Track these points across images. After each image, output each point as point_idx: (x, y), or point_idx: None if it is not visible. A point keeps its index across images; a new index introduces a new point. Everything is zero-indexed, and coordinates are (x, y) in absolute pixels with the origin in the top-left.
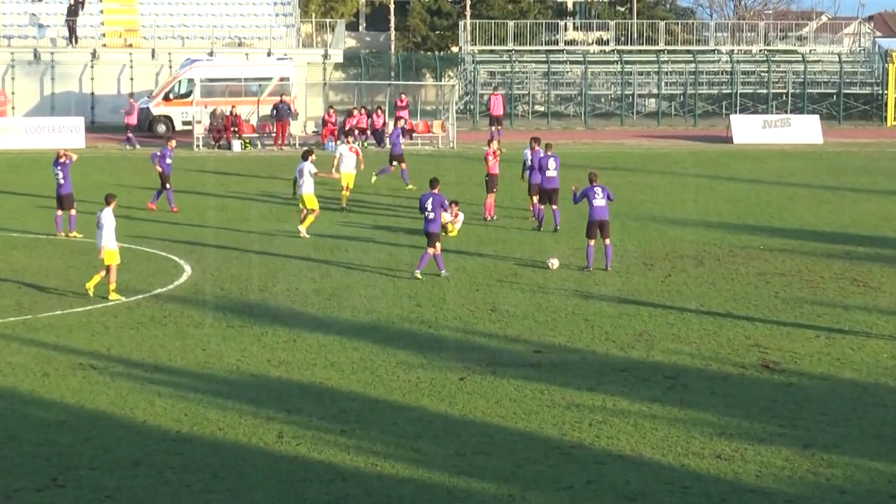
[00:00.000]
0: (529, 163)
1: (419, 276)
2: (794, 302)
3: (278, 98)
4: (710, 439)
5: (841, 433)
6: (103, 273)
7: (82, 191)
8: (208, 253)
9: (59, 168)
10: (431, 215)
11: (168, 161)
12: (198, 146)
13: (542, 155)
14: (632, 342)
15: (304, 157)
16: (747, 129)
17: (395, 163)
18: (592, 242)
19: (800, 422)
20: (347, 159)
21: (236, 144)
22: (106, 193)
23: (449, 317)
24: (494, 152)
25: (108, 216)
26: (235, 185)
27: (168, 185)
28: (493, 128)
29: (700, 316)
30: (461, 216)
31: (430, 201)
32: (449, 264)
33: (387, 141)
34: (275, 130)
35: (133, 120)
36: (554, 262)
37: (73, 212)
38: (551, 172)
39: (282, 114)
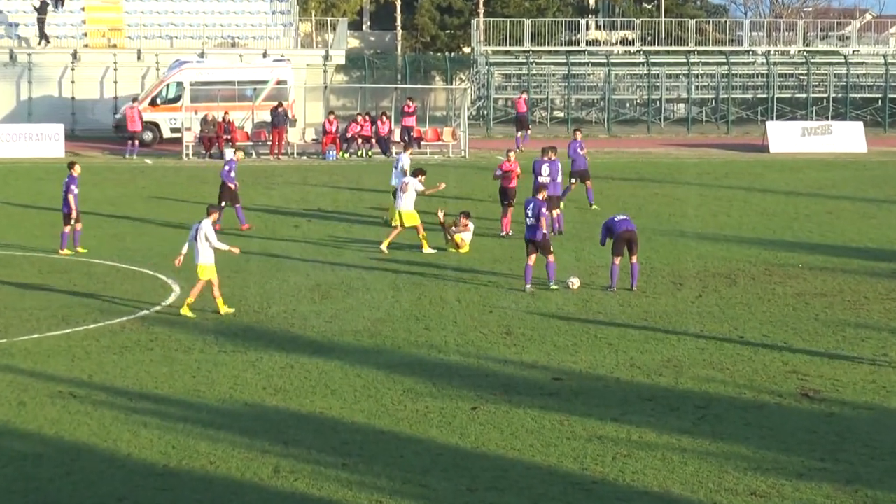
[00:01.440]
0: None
1: (554, 286)
2: (836, 325)
3: (275, 103)
4: (745, 474)
5: (887, 468)
6: (201, 287)
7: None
8: None
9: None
10: (531, 221)
11: (233, 174)
12: (187, 155)
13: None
14: (659, 369)
15: (415, 174)
16: (785, 137)
17: (574, 180)
18: (618, 260)
19: (842, 455)
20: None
21: (229, 153)
22: (208, 205)
23: (460, 341)
24: (510, 166)
25: (207, 228)
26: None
27: (232, 202)
28: (520, 134)
29: (733, 340)
30: (471, 227)
31: (531, 207)
32: (461, 283)
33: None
34: (271, 138)
35: (137, 126)
36: (574, 282)
37: (78, 226)
38: (543, 178)
39: (278, 120)
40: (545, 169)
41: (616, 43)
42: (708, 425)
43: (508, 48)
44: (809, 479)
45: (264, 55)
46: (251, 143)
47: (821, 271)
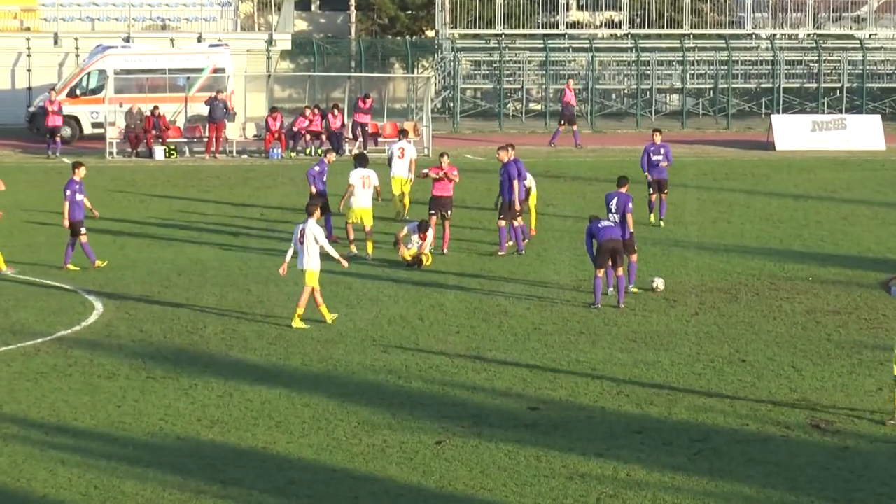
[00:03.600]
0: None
1: (635, 290)
2: (850, 346)
3: (211, 94)
4: None
5: None
6: (308, 295)
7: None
8: (124, 286)
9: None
10: (614, 219)
11: (325, 178)
12: (111, 154)
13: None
14: (650, 397)
15: (361, 161)
16: (792, 133)
17: (652, 191)
18: (601, 273)
19: (857, 495)
20: (397, 165)
21: (159, 151)
22: (307, 203)
23: (423, 365)
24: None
25: (314, 230)
26: (158, 203)
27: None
28: (576, 128)
29: (734, 364)
30: (430, 234)
31: (614, 201)
32: (423, 299)
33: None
34: (207, 134)
35: (58, 121)
36: (659, 284)
37: (83, 238)
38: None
39: (216, 114)
40: (515, 171)
41: (600, 25)
42: (705, 461)
43: (478, 31)
44: None
45: (199, 39)
46: (185, 140)
47: (833, 285)
